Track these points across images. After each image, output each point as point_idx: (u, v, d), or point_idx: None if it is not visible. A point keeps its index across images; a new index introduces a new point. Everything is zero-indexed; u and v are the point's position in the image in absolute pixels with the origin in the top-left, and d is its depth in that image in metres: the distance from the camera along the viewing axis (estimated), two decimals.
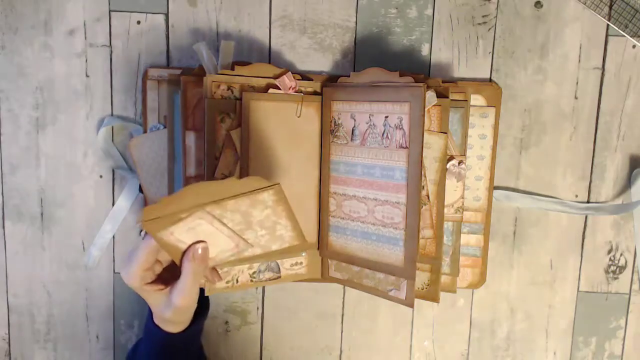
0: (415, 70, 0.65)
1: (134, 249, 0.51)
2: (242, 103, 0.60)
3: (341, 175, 0.64)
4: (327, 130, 0.64)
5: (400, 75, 0.59)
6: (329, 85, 0.64)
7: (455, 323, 0.70)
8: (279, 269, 0.64)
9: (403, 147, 0.59)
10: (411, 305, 0.60)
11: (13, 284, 0.69)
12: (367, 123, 0.61)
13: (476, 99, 0.64)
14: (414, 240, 0.59)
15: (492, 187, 0.66)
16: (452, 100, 0.61)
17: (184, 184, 0.62)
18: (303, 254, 0.65)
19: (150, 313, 0.58)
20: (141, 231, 0.67)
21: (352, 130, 0.62)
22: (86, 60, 0.65)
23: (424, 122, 0.57)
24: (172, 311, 0.53)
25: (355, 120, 0.62)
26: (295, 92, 0.62)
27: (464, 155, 0.63)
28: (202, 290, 0.62)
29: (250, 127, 0.60)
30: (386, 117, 0.59)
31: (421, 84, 0.57)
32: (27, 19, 0.64)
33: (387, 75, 0.60)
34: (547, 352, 0.70)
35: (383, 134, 0.60)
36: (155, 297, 0.53)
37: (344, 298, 0.70)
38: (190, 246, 0.51)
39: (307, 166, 0.64)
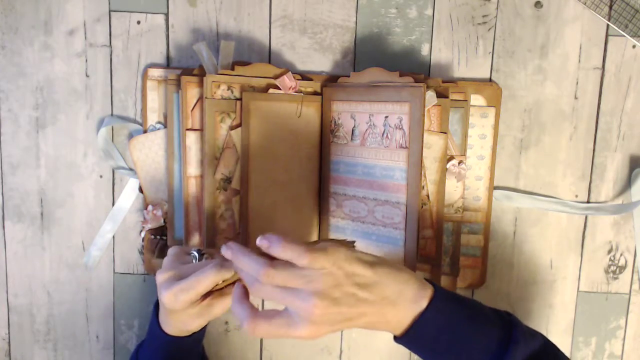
0: (415, 70, 0.65)
1: (192, 275, 0.50)
2: (242, 103, 0.60)
3: (341, 175, 0.64)
4: (327, 130, 0.64)
5: (400, 75, 0.59)
6: (329, 85, 0.64)
7: None
8: None
9: (403, 147, 0.59)
10: None
11: (13, 284, 0.69)
12: (367, 123, 0.61)
13: (476, 99, 0.64)
14: (414, 241, 0.59)
15: (492, 187, 0.66)
16: (452, 100, 0.62)
17: (184, 184, 0.62)
18: None
19: (155, 316, 0.57)
20: (141, 231, 0.67)
21: (352, 130, 0.62)
22: (86, 60, 0.65)
23: (424, 122, 0.57)
24: (207, 320, 0.53)
25: (355, 120, 0.62)
26: (296, 92, 0.62)
27: (464, 155, 0.63)
28: None
29: (250, 127, 0.60)
30: (386, 117, 0.59)
31: (421, 84, 0.57)
32: (27, 19, 0.64)
33: (387, 75, 0.60)
34: None
35: (383, 134, 0.60)
36: (187, 311, 0.52)
37: None
38: None
39: (307, 166, 0.64)
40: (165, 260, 0.54)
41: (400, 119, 0.58)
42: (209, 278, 0.49)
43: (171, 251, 0.55)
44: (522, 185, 0.67)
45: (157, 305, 0.58)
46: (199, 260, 0.54)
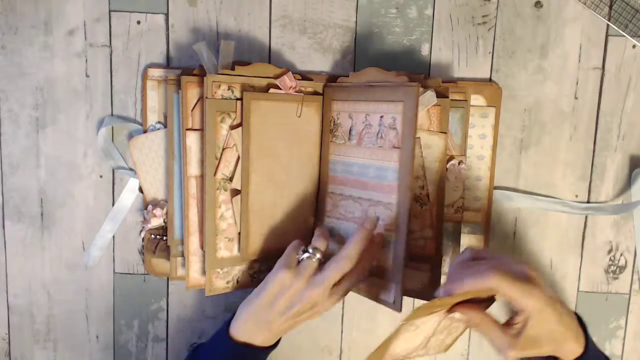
0: (415, 70, 0.65)
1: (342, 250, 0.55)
2: (243, 103, 0.60)
3: (338, 175, 0.64)
4: (327, 130, 0.64)
5: (397, 75, 0.59)
6: (329, 85, 0.64)
7: None
8: None
9: (396, 147, 0.58)
10: (398, 310, 0.57)
11: (13, 284, 0.69)
12: (363, 123, 0.61)
13: (476, 99, 0.64)
14: (403, 243, 0.57)
15: (492, 187, 0.66)
16: (452, 100, 0.61)
17: (184, 184, 0.62)
18: None
19: (228, 323, 0.57)
20: (141, 231, 0.67)
21: (350, 130, 0.62)
22: (86, 60, 0.65)
23: (416, 122, 0.56)
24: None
25: (352, 120, 0.62)
26: (296, 92, 0.62)
27: (464, 155, 0.63)
28: None
29: (250, 127, 0.60)
30: (381, 116, 0.59)
31: (415, 83, 0.56)
32: (27, 19, 0.64)
33: (385, 75, 0.60)
34: None
35: (378, 134, 0.60)
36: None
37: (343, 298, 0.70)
38: None
39: (307, 166, 0.64)
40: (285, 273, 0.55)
41: (394, 118, 0.58)
42: (363, 236, 0.54)
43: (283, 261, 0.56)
44: (522, 185, 0.67)
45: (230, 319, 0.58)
46: (312, 255, 0.56)
